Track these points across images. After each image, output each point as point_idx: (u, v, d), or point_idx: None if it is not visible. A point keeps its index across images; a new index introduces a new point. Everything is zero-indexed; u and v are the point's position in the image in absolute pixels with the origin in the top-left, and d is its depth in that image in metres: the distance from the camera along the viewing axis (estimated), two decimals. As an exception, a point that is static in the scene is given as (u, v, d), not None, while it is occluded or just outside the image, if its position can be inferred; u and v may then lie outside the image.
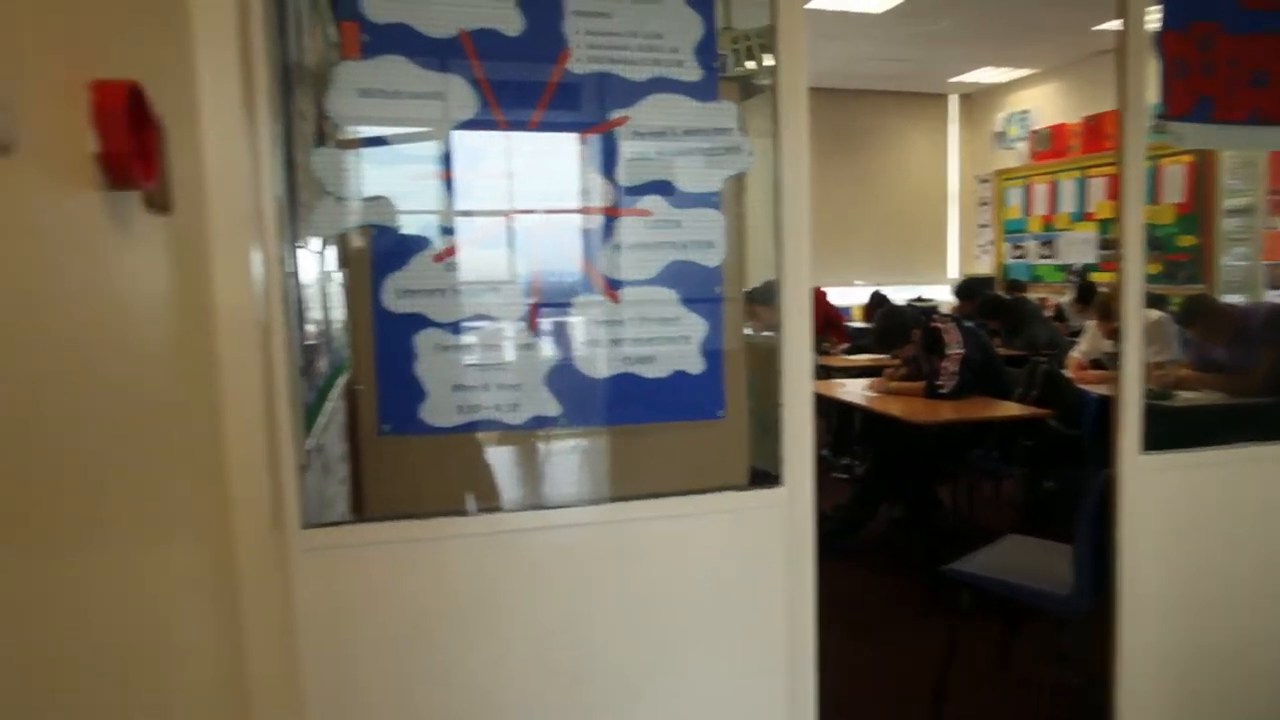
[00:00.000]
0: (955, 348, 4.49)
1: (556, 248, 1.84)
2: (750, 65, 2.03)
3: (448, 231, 1.76)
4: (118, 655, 0.93)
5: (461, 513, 1.84)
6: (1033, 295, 8.06)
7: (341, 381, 2.52)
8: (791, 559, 1.92)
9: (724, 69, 1.89)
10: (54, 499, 0.80)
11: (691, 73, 1.84)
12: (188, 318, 1.31)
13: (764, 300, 1.99)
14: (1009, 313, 6.68)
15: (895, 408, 4.37)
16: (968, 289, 7.51)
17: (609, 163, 1.82)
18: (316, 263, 2.16)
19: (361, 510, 2.03)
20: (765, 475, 1.95)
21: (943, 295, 9.53)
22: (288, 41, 1.75)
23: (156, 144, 1.07)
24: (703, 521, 1.90)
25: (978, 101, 10.42)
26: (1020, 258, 9.60)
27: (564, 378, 1.83)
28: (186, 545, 1.23)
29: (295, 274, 1.76)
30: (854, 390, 4.96)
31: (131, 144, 0.98)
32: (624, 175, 1.83)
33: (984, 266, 10.12)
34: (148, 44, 1.24)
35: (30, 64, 0.81)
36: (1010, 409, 4.44)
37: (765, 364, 1.96)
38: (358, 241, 1.78)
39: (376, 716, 1.73)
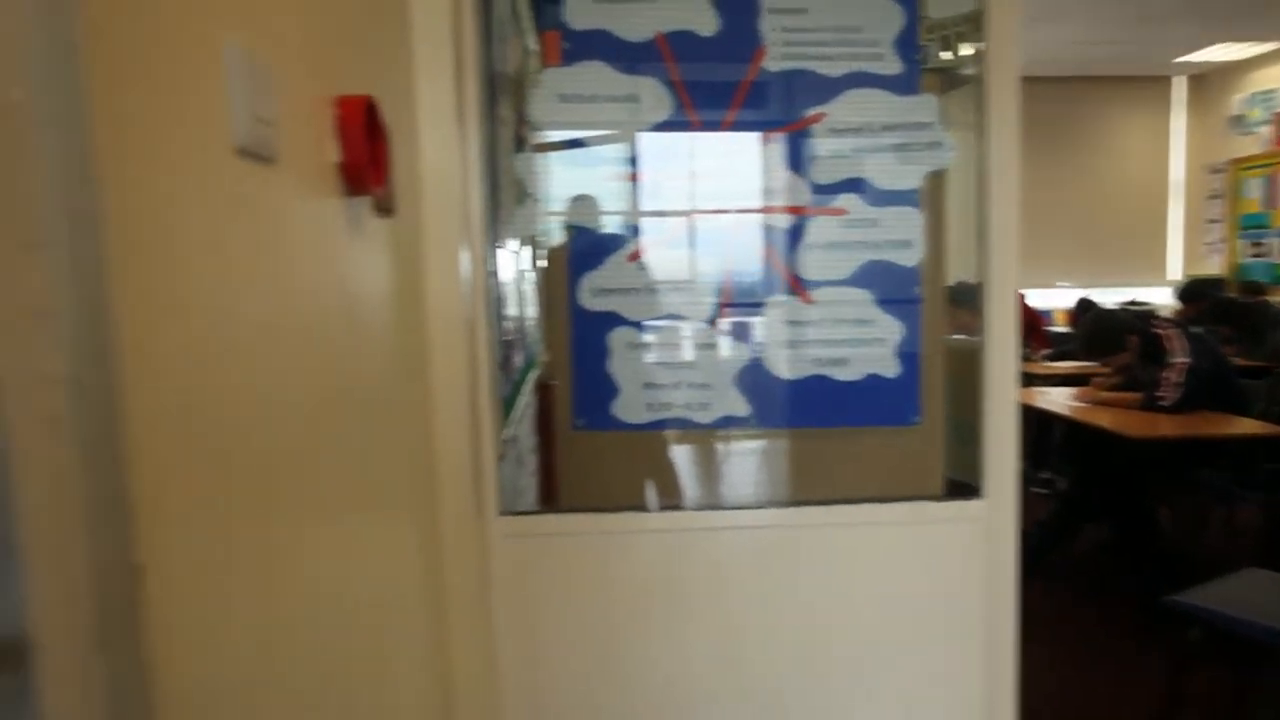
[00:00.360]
0: (1180, 356, 4.06)
1: (748, 247, 1.82)
2: (947, 56, 1.93)
3: (641, 231, 1.80)
4: (350, 622, 1.02)
5: (648, 509, 1.87)
6: (1275, 299, 7.16)
7: (532, 377, 2.62)
8: (991, 577, 1.81)
9: (924, 61, 1.80)
10: (307, 476, 0.88)
11: (891, 66, 1.77)
12: (405, 313, 1.41)
13: (963, 302, 1.88)
14: (1245, 318, 5.96)
15: (1105, 420, 4.00)
16: (1193, 291, 6.76)
17: (803, 161, 1.79)
18: (512, 262, 2.27)
19: (551, 502, 2.10)
20: (963, 486, 1.85)
21: (1161, 298, 8.65)
22: (491, 53, 1.85)
23: (386, 153, 1.16)
24: (894, 530, 1.82)
25: (1210, 83, 9.37)
26: (1260, 256, 8.54)
27: (754, 378, 1.82)
28: (402, 528, 1.33)
29: (495, 273, 1.86)
30: (1057, 399, 4.60)
31: (367, 153, 1.06)
32: (818, 173, 1.79)
33: (1213, 267, 9.08)
34: (379, 61, 1.34)
35: (289, 83, 0.89)
36: (1248, 426, 3.95)
37: (964, 369, 1.85)
38: (556, 241, 1.85)
39: (565, 703, 1.79)
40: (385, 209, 1.25)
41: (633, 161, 1.79)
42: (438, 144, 1.57)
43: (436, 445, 1.56)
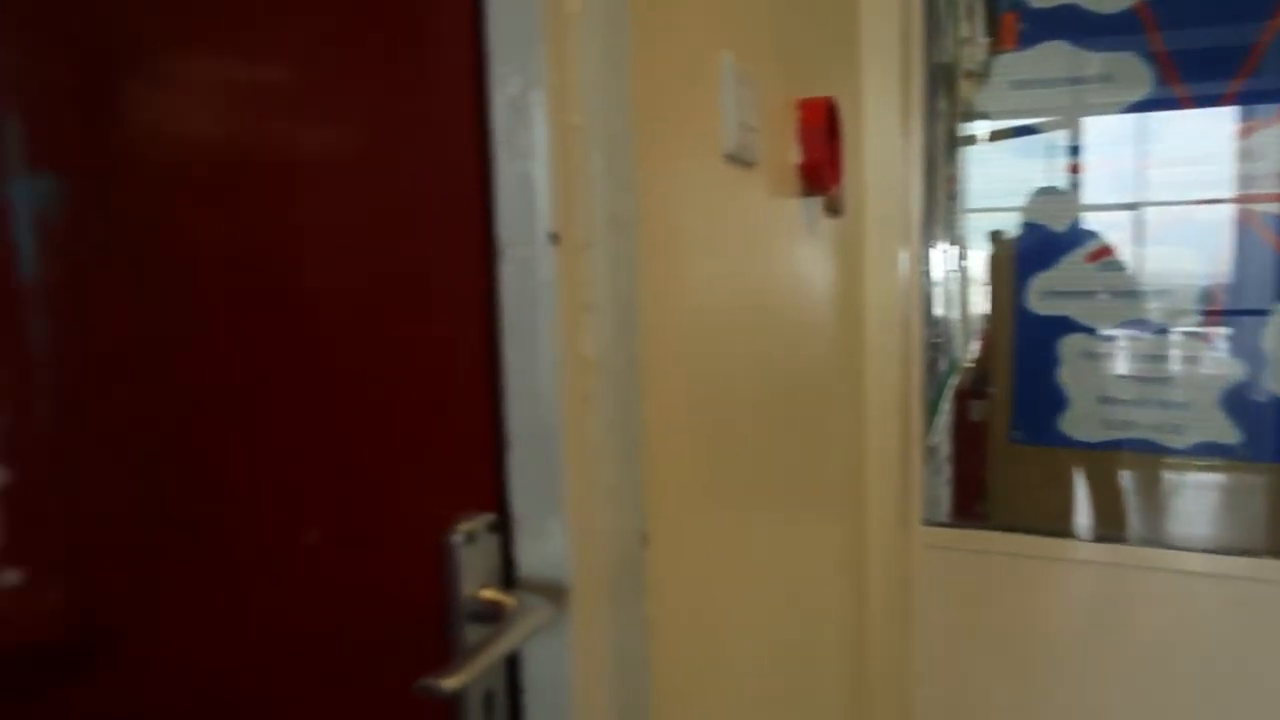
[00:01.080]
0: None
1: (1248, 244, 1.52)
2: None
3: (1104, 228, 1.60)
4: (790, 608, 1.05)
5: (1086, 537, 1.67)
6: None
7: (952, 382, 2.48)
8: None
9: None
10: (766, 466, 0.93)
11: None
12: (845, 313, 1.41)
13: None
14: None
15: None
16: None
17: (1337, 135, 1.44)
18: (940, 261, 2.16)
19: (968, 516, 1.98)
20: None
21: None
22: (933, 47, 1.77)
23: (842, 153, 1.17)
24: None
25: None
26: None
27: (1248, 400, 1.51)
28: (832, 523, 1.34)
29: (927, 273, 1.79)
30: None
31: (827, 154, 1.08)
32: (1359, 150, 1.43)
33: None
34: (831, 62, 1.36)
35: (764, 89, 0.94)
36: None
37: None
38: (999, 239, 1.73)
39: (983, 732, 1.67)
40: (834, 209, 1.26)
41: (1097, 149, 1.60)
42: (882, 143, 1.54)
43: (866, 446, 1.55)
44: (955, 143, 1.97)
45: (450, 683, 0.48)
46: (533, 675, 0.62)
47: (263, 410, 0.44)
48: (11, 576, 0.35)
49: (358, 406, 0.51)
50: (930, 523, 1.73)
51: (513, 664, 0.63)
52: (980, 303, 2.85)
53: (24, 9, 0.32)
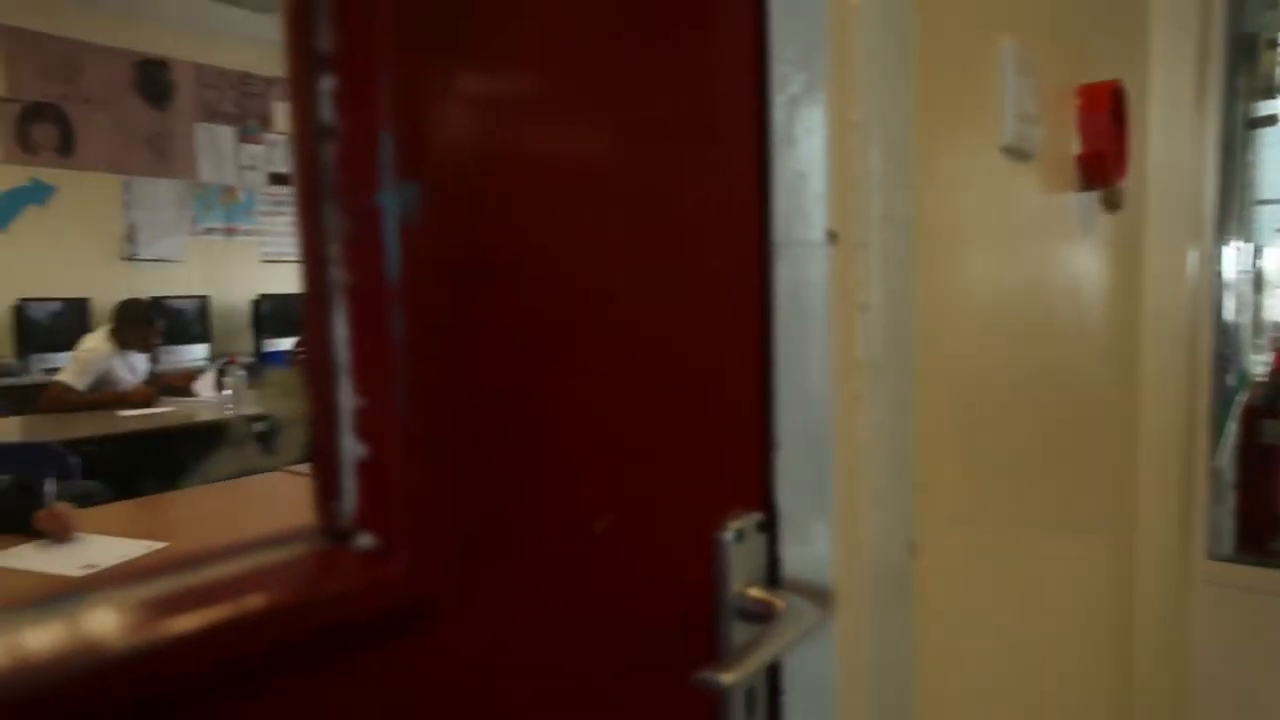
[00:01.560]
0: None
1: None
2: None
3: None
4: (1051, 632, 0.97)
5: None
6: None
7: (1240, 398, 2.21)
8: None
9: None
10: (1032, 476, 0.86)
11: None
12: (1121, 318, 1.28)
13: None
14: None
15: None
16: None
17: None
18: (1233, 260, 1.93)
19: (1257, 551, 1.74)
20: None
21: None
22: (1239, 16, 1.56)
23: (1128, 143, 1.06)
24: None
25: None
26: None
27: None
28: (1099, 548, 1.22)
29: (1219, 275, 1.59)
30: None
31: (1111, 144, 0.99)
32: None
33: None
34: (1114, 42, 1.24)
35: (1045, 77, 0.87)
36: None
37: None
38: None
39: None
40: (1113, 203, 1.15)
41: None
42: (1170, 127, 1.38)
43: (1141, 466, 1.40)
44: (1251, 124, 1.74)
45: (729, 677, 0.48)
46: (793, 678, 0.62)
47: (568, 400, 0.47)
48: (366, 540, 0.40)
49: (644, 401, 0.53)
50: (1213, 556, 1.54)
51: (773, 664, 0.63)
52: (1278, 308, 2.51)
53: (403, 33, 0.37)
